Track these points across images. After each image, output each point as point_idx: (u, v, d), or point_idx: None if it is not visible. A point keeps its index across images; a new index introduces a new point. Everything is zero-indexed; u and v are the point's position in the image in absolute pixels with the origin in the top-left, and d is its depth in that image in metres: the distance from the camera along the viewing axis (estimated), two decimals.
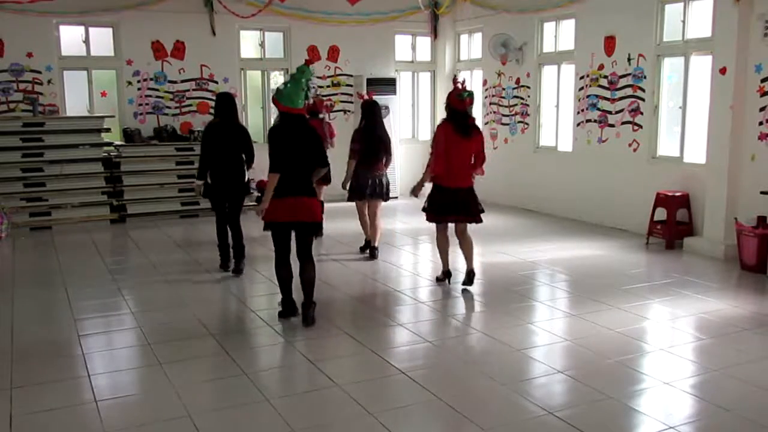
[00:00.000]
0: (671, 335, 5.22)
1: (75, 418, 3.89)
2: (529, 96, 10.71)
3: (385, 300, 6.24)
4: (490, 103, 11.52)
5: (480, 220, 6.29)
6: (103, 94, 10.35)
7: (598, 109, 9.38)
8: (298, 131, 5.35)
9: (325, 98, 9.03)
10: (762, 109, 7.24)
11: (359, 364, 4.71)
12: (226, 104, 6.83)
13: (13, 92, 9.65)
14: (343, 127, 11.80)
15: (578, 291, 6.38)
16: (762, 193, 7.03)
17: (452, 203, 6.12)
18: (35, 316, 5.75)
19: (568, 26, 9.93)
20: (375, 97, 8.06)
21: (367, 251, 7.75)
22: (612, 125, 9.18)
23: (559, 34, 10.16)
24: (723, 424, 3.81)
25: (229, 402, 4.05)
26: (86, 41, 10.14)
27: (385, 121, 11.42)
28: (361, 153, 7.45)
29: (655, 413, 3.88)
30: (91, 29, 10.15)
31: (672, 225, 8.03)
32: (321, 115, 8.61)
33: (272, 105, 6.71)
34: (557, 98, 10.26)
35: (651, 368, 4.61)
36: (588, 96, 9.52)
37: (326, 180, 7.82)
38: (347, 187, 7.65)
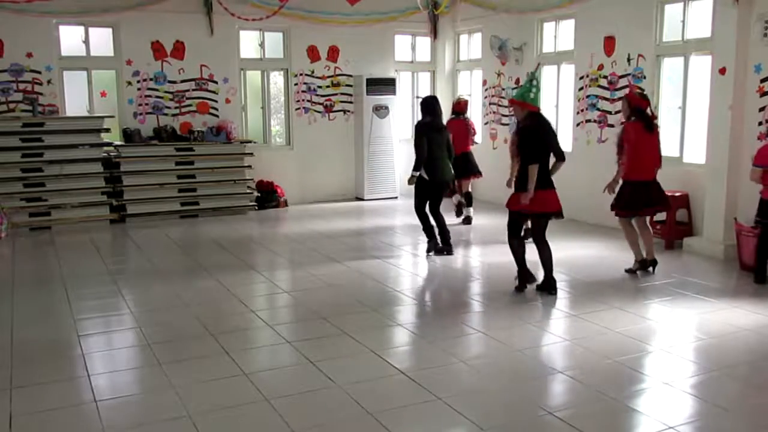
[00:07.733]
0: (671, 335, 5.22)
1: (75, 418, 3.89)
2: None
3: (385, 300, 6.23)
4: (490, 103, 11.51)
5: (669, 207, 7.06)
6: (103, 94, 10.34)
7: (598, 109, 9.38)
8: (548, 128, 6.07)
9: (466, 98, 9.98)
10: (761, 109, 7.24)
11: (359, 364, 4.71)
12: (435, 105, 7.74)
13: (12, 92, 9.62)
14: (344, 126, 11.88)
15: (578, 291, 6.39)
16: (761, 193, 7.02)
17: (645, 195, 6.63)
18: (35, 316, 5.74)
19: (568, 26, 9.93)
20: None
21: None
22: (612, 125, 9.17)
23: (559, 35, 10.15)
24: (723, 424, 3.81)
25: (229, 402, 4.05)
26: (86, 41, 10.13)
27: (384, 121, 11.61)
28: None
29: (655, 413, 3.89)
30: (91, 29, 10.13)
31: (672, 225, 8.03)
32: (464, 116, 9.49)
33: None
34: (557, 98, 10.25)
35: (651, 368, 4.62)
36: (588, 96, 9.52)
37: (477, 172, 9.28)
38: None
